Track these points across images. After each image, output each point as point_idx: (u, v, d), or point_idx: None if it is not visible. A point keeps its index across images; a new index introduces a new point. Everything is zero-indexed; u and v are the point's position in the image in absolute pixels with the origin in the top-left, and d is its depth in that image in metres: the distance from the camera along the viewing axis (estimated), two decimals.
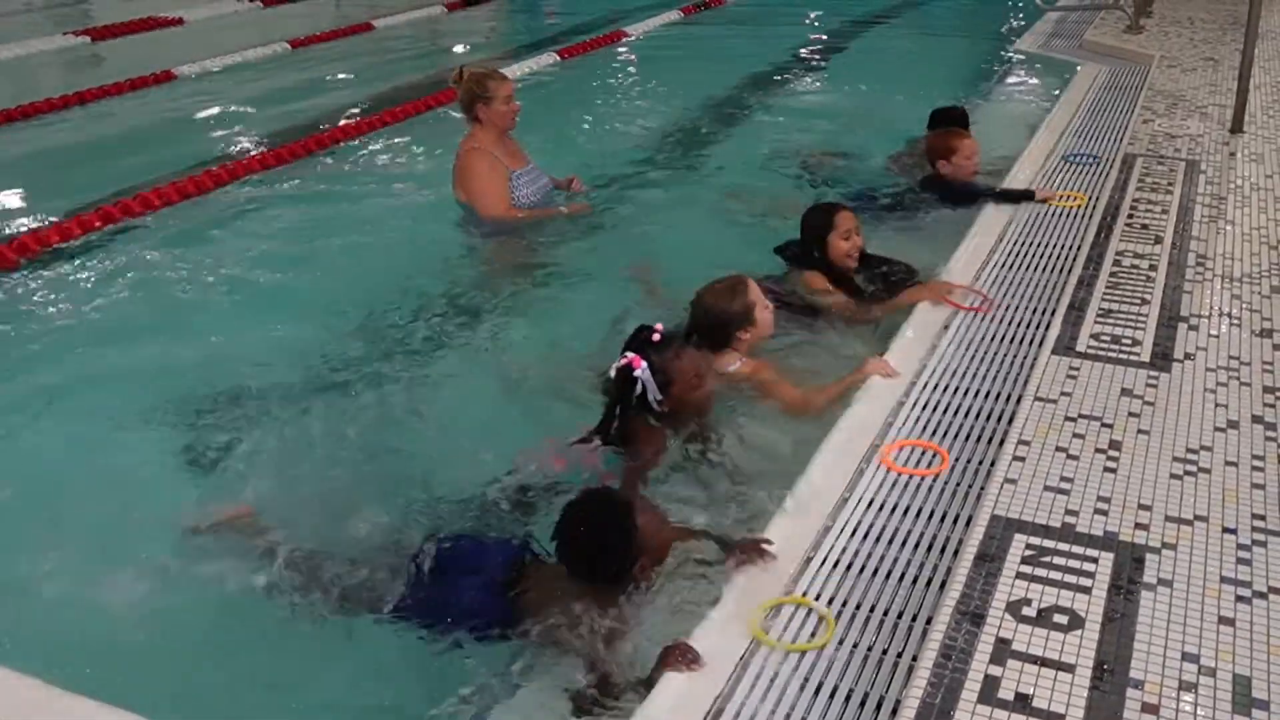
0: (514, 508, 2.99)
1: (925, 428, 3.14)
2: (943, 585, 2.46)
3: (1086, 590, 2.34)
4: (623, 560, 2.49)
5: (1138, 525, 2.56)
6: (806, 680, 2.23)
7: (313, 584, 2.76)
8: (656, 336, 3.15)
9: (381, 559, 2.78)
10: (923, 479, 2.90)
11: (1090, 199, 4.89)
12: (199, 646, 2.71)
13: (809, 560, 2.59)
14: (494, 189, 4.98)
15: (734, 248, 4.92)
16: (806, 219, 4.19)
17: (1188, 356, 3.38)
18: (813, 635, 2.35)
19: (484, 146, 5.00)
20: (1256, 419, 3.03)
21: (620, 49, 9.70)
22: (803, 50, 9.66)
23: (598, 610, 2.49)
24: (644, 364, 3.08)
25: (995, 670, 2.13)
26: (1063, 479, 2.75)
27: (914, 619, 2.39)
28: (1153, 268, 4.06)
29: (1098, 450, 2.88)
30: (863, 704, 2.17)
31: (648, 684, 2.25)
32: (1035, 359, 3.45)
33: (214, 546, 2.93)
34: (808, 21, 11.07)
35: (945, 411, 3.23)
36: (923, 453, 3.01)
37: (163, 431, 3.56)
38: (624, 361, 3.11)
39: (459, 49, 10.49)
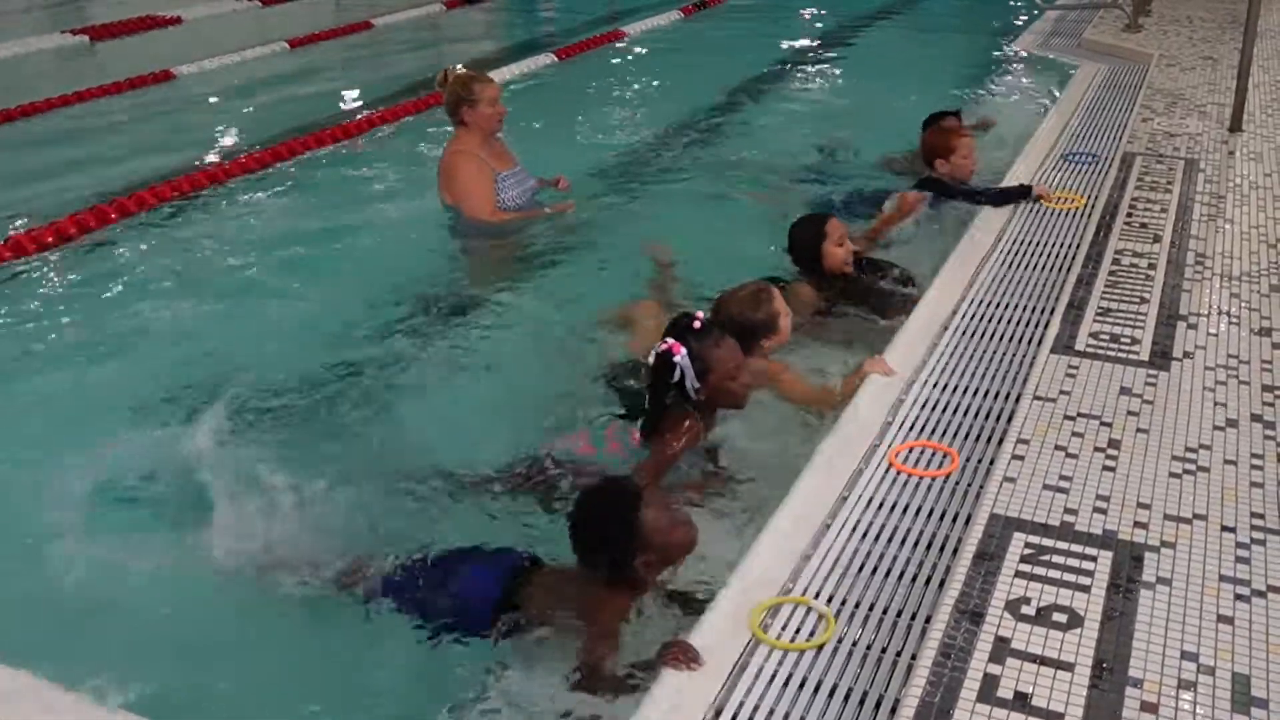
0: (532, 503, 3.02)
1: (925, 427, 3.14)
2: (942, 584, 2.46)
3: (1085, 589, 2.34)
4: (622, 552, 2.49)
5: (1137, 524, 2.56)
6: (806, 679, 2.22)
7: (311, 579, 2.76)
8: (696, 324, 3.15)
9: (379, 556, 2.79)
10: (923, 479, 2.90)
11: (1089, 198, 4.89)
12: (194, 644, 2.71)
13: (808, 559, 2.59)
14: (479, 191, 4.93)
15: (729, 245, 4.92)
16: (796, 233, 4.17)
17: (1187, 355, 3.38)
18: (812, 634, 2.35)
19: (469, 149, 4.95)
20: (1255, 417, 3.03)
21: (619, 48, 9.70)
22: (801, 49, 9.66)
23: (598, 610, 2.49)
24: (683, 350, 3.08)
25: (994, 669, 2.13)
26: (1062, 478, 2.75)
27: (913, 618, 2.39)
28: (1152, 266, 4.06)
29: (1097, 449, 2.88)
30: (862, 703, 2.17)
31: (646, 682, 2.25)
32: (1034, 358, 3.45)
33: (211, 541, 2.94)
34: (806, 21, 11.07)
35: (944, 410, 3.23)
36: (932, 454, 3.00)
37: (160, 429, 3.56)
38: (664, 347, 3.10)
39: (459, 47, 10.49)
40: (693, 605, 2.56)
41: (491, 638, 2.54)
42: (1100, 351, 3.41)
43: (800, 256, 4.15)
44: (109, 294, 4.69)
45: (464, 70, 5.06)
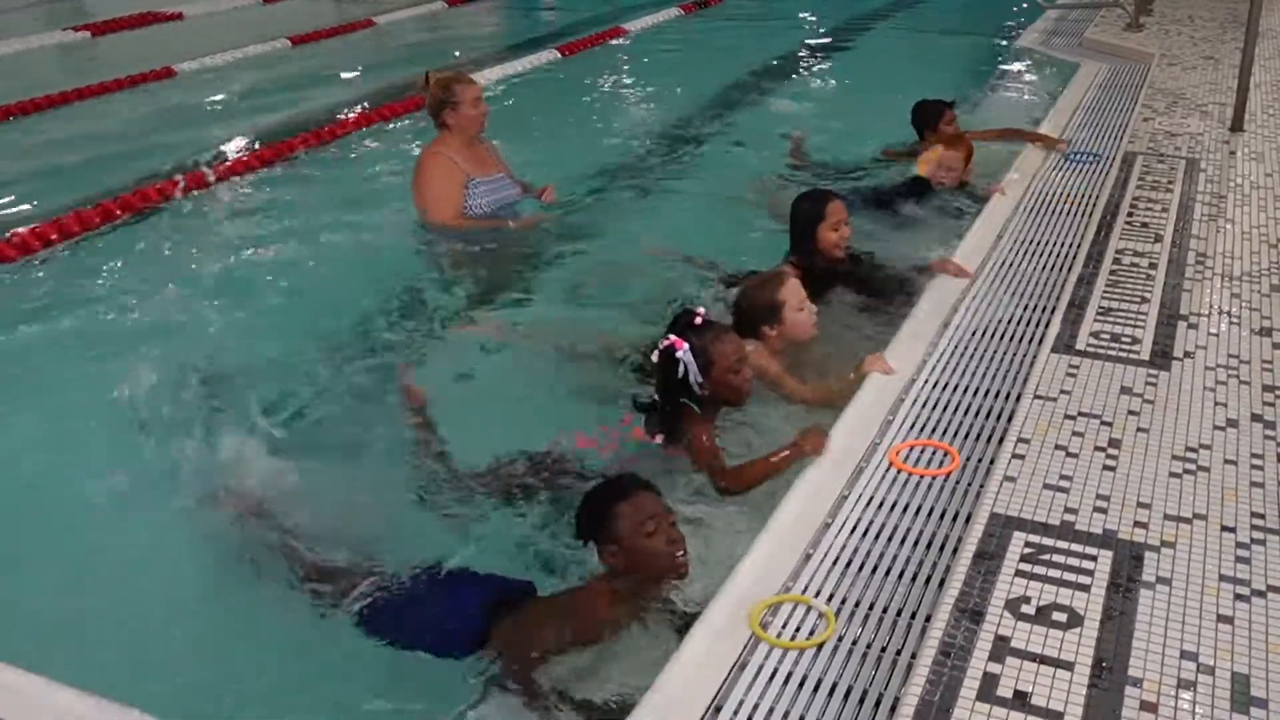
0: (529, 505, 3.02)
1: (925, 425, 3.14)
2: (942, 583, 2.46)
3: (1085, 588, 2.35)
4: (590, 529, 2.58)
5: (1137, 523, 2.57)
6: (806, 677, 2.23)
7: (303, 588, 2.76)
8: (698, 320, 3.17)
9: (370, 567, 2.79)
10: (923, 478, 2.90)
11: (1089, 198, 4.89)
12: (187, 644, 2.71)
13: (808, 557, 2.60)
14: (442, 195, 4.84)
15: (727, 244, 4.92)
16: (796, 207, 4.19)
17: (1187, 355, 3.38)
18: (812, 632, 2.35)
19: (445, 152, 4.88)
20: (1256, 417, 3.03)
21: (620, 45, 9.70)
22: (801, 48, 9.67)
23: (573, 599, 2.54)
24: (685, 345, 3.09)
25: (994, 668, 2.13)
26: (1062, 477, 2.76)
27: (913, 616, 2.39)
28: (1153, 266, 4.06)
29: (1097, 448, 2.88)
30: (862, 701, 2.17)
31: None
32: (1035, 357, 3.45)
33: (209, 542, 2.94)
34: (806, 20, 11.07)
35: (945, 409, 3.23)
36: (933, 452, 3.01)
37: (159, 429, 3.56)
38: (666, 343, 3.12)
39: (460, 44, 10.48)
40: (692, 603, 2.57)
41: (468, 651, 2.53)
42: (1101, 351, 3.42)
43: (796, 231, 4.15)
44: (111, 292, 4.69)
45: (444, 73, 5.00)
